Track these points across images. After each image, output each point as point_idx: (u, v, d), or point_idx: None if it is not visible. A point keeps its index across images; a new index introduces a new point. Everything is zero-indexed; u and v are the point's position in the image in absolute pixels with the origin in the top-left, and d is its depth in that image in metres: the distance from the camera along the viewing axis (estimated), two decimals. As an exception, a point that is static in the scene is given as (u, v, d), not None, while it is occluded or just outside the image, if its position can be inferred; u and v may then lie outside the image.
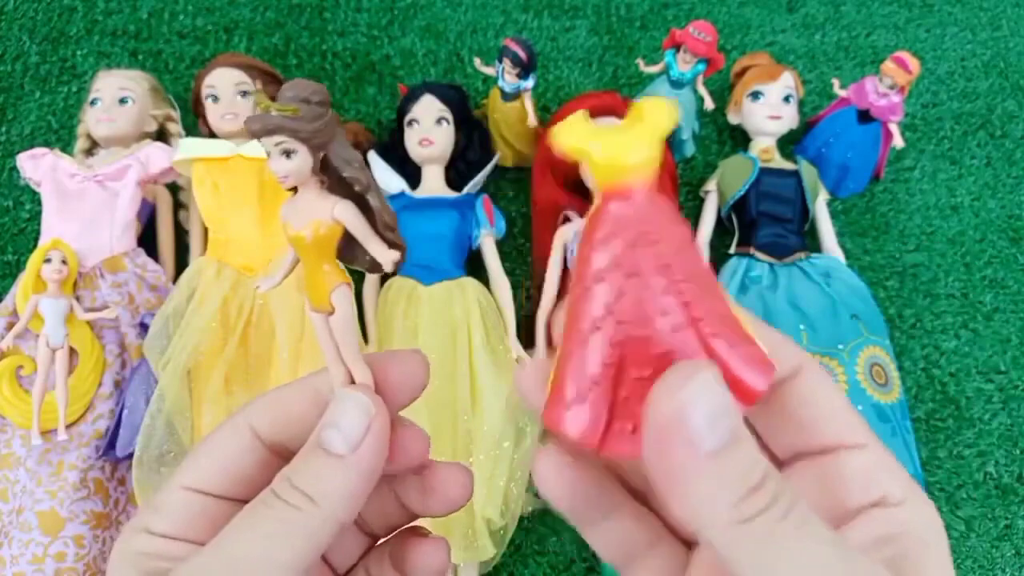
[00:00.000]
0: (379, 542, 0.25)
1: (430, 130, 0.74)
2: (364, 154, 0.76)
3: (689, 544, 0.23)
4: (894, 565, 0.18)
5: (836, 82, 0.83)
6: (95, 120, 0.73)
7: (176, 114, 0.78)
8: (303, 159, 0.21)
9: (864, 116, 0.79)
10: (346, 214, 0.21)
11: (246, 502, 0.20)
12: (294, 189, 0.22)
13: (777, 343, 0.20)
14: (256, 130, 0.20)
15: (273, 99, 0.21)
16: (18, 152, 0.71)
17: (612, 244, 0.18)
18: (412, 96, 0.76)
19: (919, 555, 0.18)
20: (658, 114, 0.18)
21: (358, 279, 0.70)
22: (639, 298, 0.18)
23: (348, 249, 0.22)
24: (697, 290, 0.18)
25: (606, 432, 0.18)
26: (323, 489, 0.19)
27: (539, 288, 0.73)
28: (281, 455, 0.22)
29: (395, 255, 0.22)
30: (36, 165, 0.70)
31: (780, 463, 0.21)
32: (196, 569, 0.19)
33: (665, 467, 0.17)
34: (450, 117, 0.75)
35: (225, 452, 0.21)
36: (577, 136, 0.19)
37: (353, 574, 0.24)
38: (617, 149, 0.18)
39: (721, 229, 0.79)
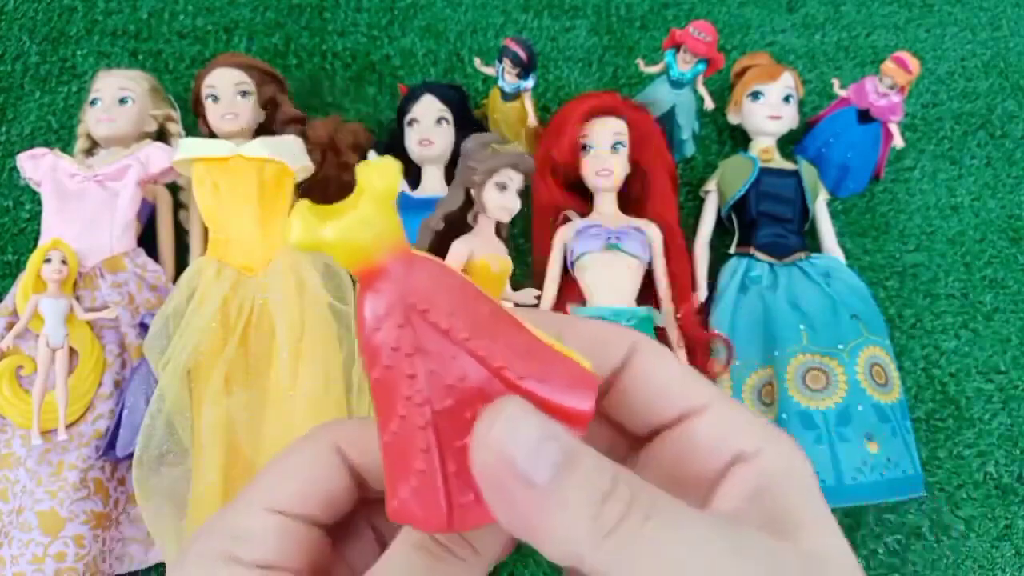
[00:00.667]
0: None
1: (430, 130, 0.74)
2: (364, 154, 0.76)
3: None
4: (770, 516, 0.18)
5: (836, 82, 0.83)
6: (95, 120, 0.72)
7: (176, 114, 0.78)
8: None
9: (864, 116, 0.80)
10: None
11: (325, 526, 0.20)
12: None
13: (602, 333, 0.21)
14: (529, 167, 0.19)
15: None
16: (18, 152, 0.71)
17: (384, 329, 0.17)
18: (412, 96, 0.76)
19: (789, 497, 0.18)
20: (374, 178, 0.17)
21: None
22: (431, 373, 0.17)
23: None
24: (487, 340, 0.18)
25: (451, 511, 0.18)
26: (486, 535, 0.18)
27: (539, 288, 0.73)
28: (359, 484, 0.21)
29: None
30: (36, 165, 0.70)
31: (641, 444, 0.21)
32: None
33: (516, 516, 0.16)
34: (450, 117, 0.75)
35: (312, 471, 0.20)
36: (306, 228, 0.17)
37: (353, 527, 0.22)
38: (348, 230, 0.17)
39: (721, 229, 0.79)
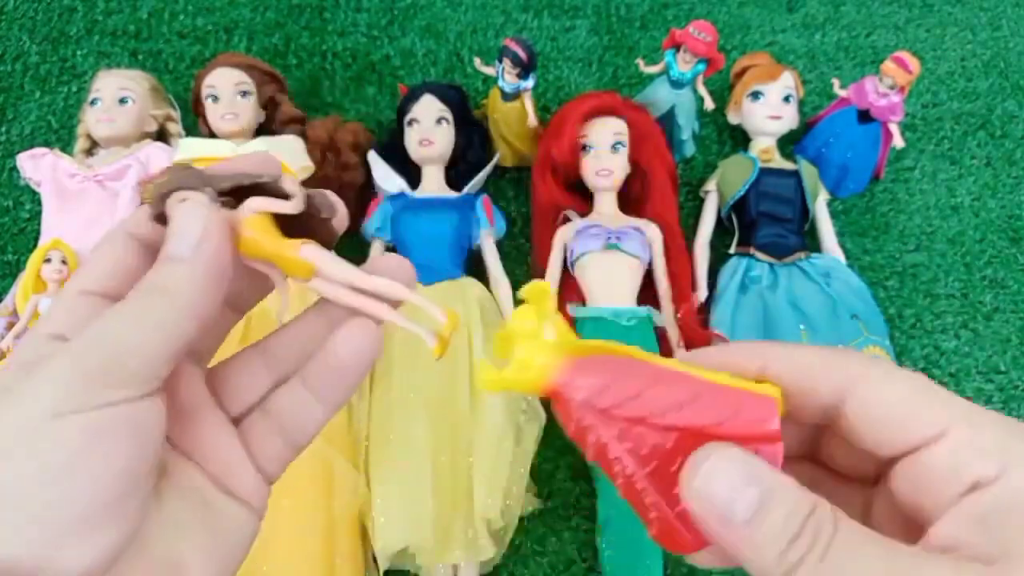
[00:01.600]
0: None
1: (430, 130, 0.74)
2: (364, 154, 0.76)
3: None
4: (994, 542, 0.17)
5: (836, 82, 0.83)
6: (95, 120, 0.73)
7: (176, 114, 0.78)
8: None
9: (864, 116, 0.79)
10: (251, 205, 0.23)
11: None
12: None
13: (814, 362, 0.21)
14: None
15: None
16: (18, 152, 0.72)
17: (576, 433, 0.21)
18: (412, 96, 0.76)
19: (1021, 523, 0.17)
20: (517, 324, 0.21)
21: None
22: (629, 451, 0.20)
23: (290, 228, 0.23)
24: (661, 408, 0.20)
25: (696, 535, 0.20)
26: (174, 284, 0.21)
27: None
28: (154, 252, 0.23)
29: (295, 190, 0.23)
30: (36, 165, 0.70)
31: (880, 473, 0.21)
32: (71, 353, 0.20)
33: (721, 541, 0.19)
34: (450, 117, 0.75)
35: (110, 253, 0.23)
36: (488, 383, 0.21)
37: (251, 416, 0.25)
38: (518, 375, 0.21)
39: (721, 229, 0.79)
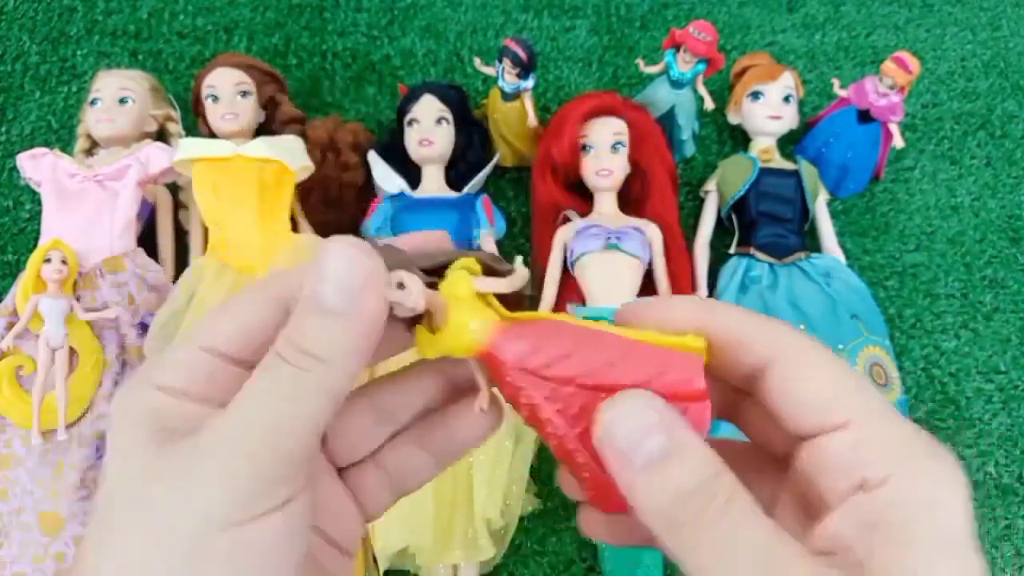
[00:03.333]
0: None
1: (430, 130, 0.74)
2: (364, 154, 0.76)
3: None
4: (869, 559, 0.17)
5: (836, 82, 0.83)
6: (95, 120, 0.72)
7: (176, 114, 0.78)
8: (416, 283, 0.22)
9: (864, 116, 0.79)
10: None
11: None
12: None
13: (747, 329, 0.21)
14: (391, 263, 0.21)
15: None
16: (18, 152, 0.71)
17: (509, 393, 0.21)
18: (412, 96, 0.76)
19: (901, 537, 0.17)
20: (451, 289, 0.21)
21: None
22: (559, 412, 0.21)
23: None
24: (590, 367, 0.21)
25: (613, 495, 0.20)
26: (329, 349, 0.19)
27: (539, 288, 0.73)
28: None
29: (524, 270, 0.23)
30: (36, 165, 0.70)
31: (788, 451, 0.21)
32: (220, 433, 0.18)
33: (619, 484, 0.19)
34: (450, 117, 0.75)
35: (248, 314, 0.20)
36: (425, 348, 0.22)
37: (360, 467, 0.24)
38: (452, 339, 0.21)
39: (721, 229, 0.79)
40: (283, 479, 0.18)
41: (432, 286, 0.21)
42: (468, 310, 0.21)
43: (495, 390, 0.23)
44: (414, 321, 0.22)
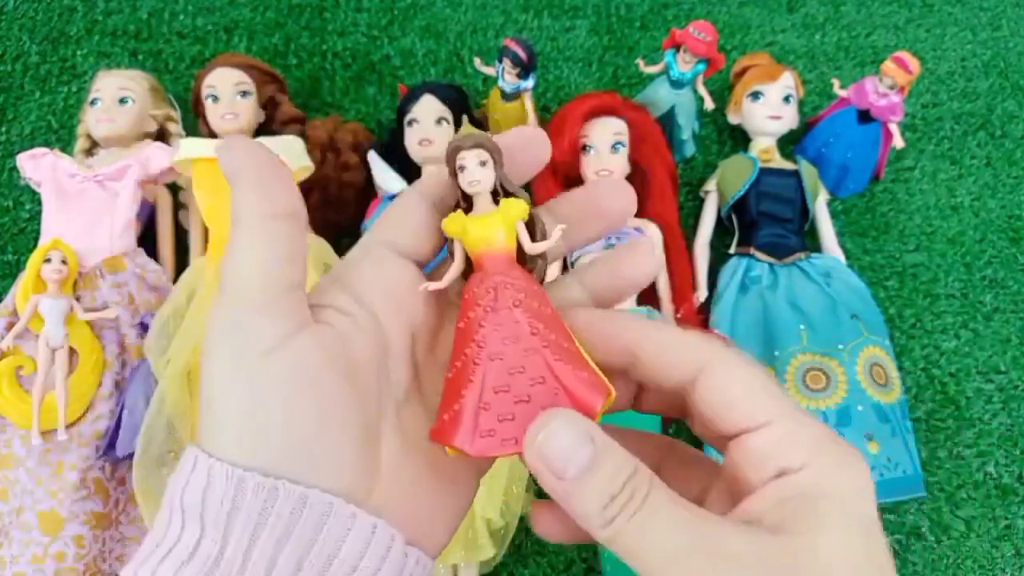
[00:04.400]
0: None
1: (430, 130, 0.74)
2: (364, 154, 0.76)
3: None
4: (785, 519, 0.20)
5: (836, 82, 0.83)
6: (95, 120, 0.73)
7: (176, 114, 0.78)
8: (491, 171, 0.25)
9: (864, 116, 0.80)
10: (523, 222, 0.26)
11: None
12: (464, 203, 0.26)
13: (678, 345, 0.23)
14: (469, 143, 0.25)
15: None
16: (18, 152, 0.71)
17: (480, 290, 0.24)
18: (412, 96, 0.76)
19: (814, 505, 0.20)
20: (511, 208, 0.25)
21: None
22: (495, 328, 0.24)
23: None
24: (544, 325, 0.24)
25: (475, 435, 0.23)
26: (239, 211, 0.24)
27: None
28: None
29: (558, 234, 0.26)
30: (36, 165, 0.70)
31: (722, 452, 0.24)
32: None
33: (555, 496, 0.21)
34: (450, 117, 0.75)
35: (402, 212, 0.26)
36: (455, 223, 0.25)
37: None
38: (487, 224, 0.25)
39: (721, 229, 0.79)
40: (275, 306, 0.22)
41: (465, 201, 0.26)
42: (508, 226, 0.25)
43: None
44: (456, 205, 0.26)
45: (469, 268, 0.26)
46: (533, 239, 0.26)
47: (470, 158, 0.25)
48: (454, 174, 0.26)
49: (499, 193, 0.26)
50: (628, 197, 0.27)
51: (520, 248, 0.26)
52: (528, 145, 0.27)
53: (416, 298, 0.26)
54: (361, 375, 0.23)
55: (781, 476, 0.21)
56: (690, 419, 0.25)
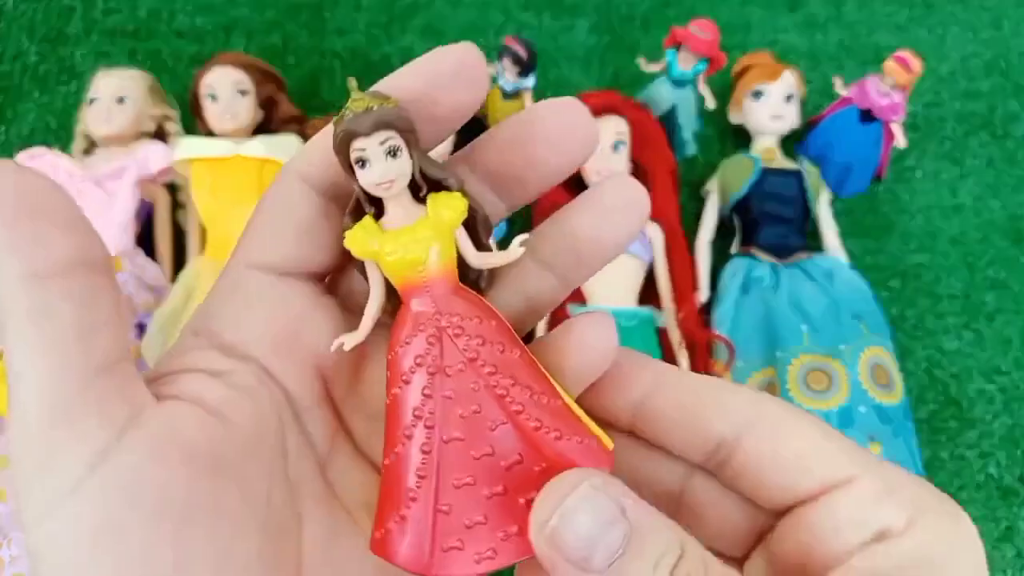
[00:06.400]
0: None
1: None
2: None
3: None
4: None
5: (838, 81, 0.83)
6: (93, 120, 0.72)
7: (174, 114, 0.78)
8: (407, 160, 0.18)
9: (866, 116, 0.79)
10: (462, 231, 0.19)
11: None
12: (368, 204, 0.19)
13: (705, 401, 0.19)
14: (366, 126, 0.18)
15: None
16: (17, 152, 0.71)
17: (413, 343, 0.18)
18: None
19: None
20: (441, 208, 0.18)
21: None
22: (447, 399, 0.17)
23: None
24: (511, 381, 0.18)
25: (433, 552, 0.17)
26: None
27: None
28: (334, 198, 0.20)
29: (518, 251, 0.20)
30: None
31: (779, 515, 0.19)
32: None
33: None
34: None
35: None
36: (366, 236, 0.18)
37: None
38: (409, 243, 0.18)
39: (723, 229, 0.78)
40: (75, 413, 0.15)
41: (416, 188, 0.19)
42: (440, 237, 0.18)
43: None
44: (359, 208, 0.18)
45: (393, 296, 0.19)
46: (476, 240, 0.19)
47: (372, 147, 0.18)
48: (350, 169, 0.18)
49: (421, 185, 0.19)
50: (579, 114, 0.20)
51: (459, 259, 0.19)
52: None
53: (317, 327, 0.19)
54: (249, 454, 0.17)
55: (881, 539, 0.17)
56: (690, 505, 0.20)
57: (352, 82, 0.20)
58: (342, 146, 0.18)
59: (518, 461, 0.17)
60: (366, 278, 0.19)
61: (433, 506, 0.17)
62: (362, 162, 0.18)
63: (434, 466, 0.17)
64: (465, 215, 0.19)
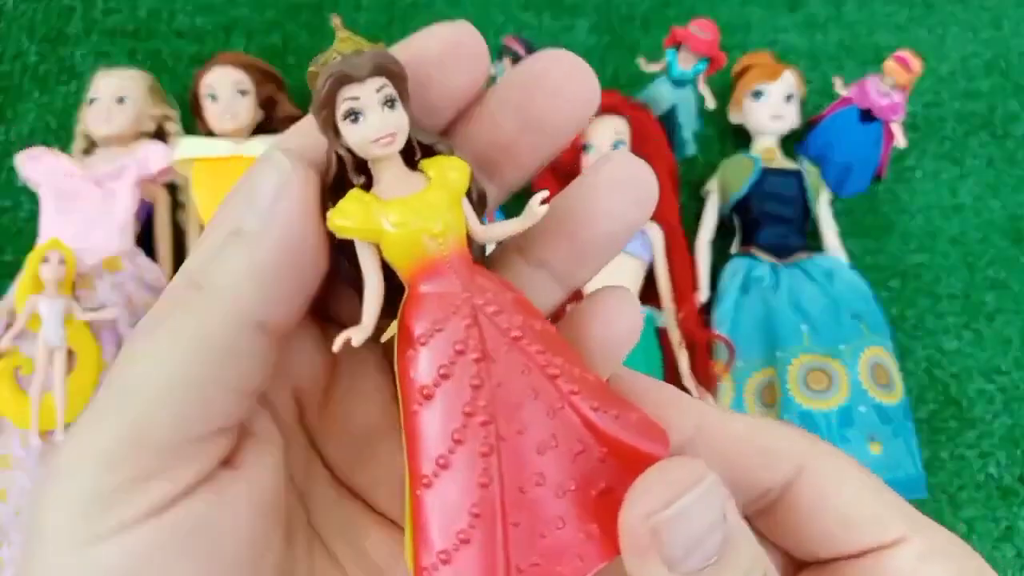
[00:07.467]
0: None
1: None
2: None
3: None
4: None
5: (838, 81, 0.83)
6: (93, 120, 0.72)
7: (174, 113, 0.78)
8: (403, 113, 0.15)
9: (866, 115, 0.79)
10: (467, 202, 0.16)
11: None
12: (355, 175, 0.16)
13: (760, 438, 0.18)
14: (363, 69, 0.14)
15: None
16: (17, 152, 0.71)
17: (448, 329, 0.14)
18: (412, 95, 0.75)
19: None
20: (448, 171, 0.15)
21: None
22: (499, 386, 0.14)
23: None
24: (560, 358, 0.15)
25: (522, 572, 0.14)
26: (214, 273, 0.15)
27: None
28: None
29: (540, 211, 0.17)
30: (35, 165, 0.70)
31: (812, 567, 0.19)
32: (92, 409, 0.15)
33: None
34: (450, 117, 0.75)
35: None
36: (362, 212, 0.15)
37: None
38: (415, 216, 0.15)
39: (723, 229, 0.78)
40: (146, 474, 0.13)
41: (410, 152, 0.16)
42: (451, 204, 0.15)
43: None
44: (342, 181, 0.15)
45: (392, 293, 0.16)
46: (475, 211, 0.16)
47: (368, 96, 0.15)
48: (333, 128, 0.15)
49: (415, 149, 0.16)
50: (580, 64, 0.17)
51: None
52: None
53: (297, 346, 0.17)
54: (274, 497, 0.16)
55: None
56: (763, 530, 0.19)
57: (336, 19, 0.17)
58: (329, 97, 0.15)
59: (581, 451, 0.15)
60: (354, 265, 0.16)
61: (502, 518, 0.14)
62: (355, 115, 0.15)
63: (495, 470, 0.14)
64: (470, 178, 0.16)
